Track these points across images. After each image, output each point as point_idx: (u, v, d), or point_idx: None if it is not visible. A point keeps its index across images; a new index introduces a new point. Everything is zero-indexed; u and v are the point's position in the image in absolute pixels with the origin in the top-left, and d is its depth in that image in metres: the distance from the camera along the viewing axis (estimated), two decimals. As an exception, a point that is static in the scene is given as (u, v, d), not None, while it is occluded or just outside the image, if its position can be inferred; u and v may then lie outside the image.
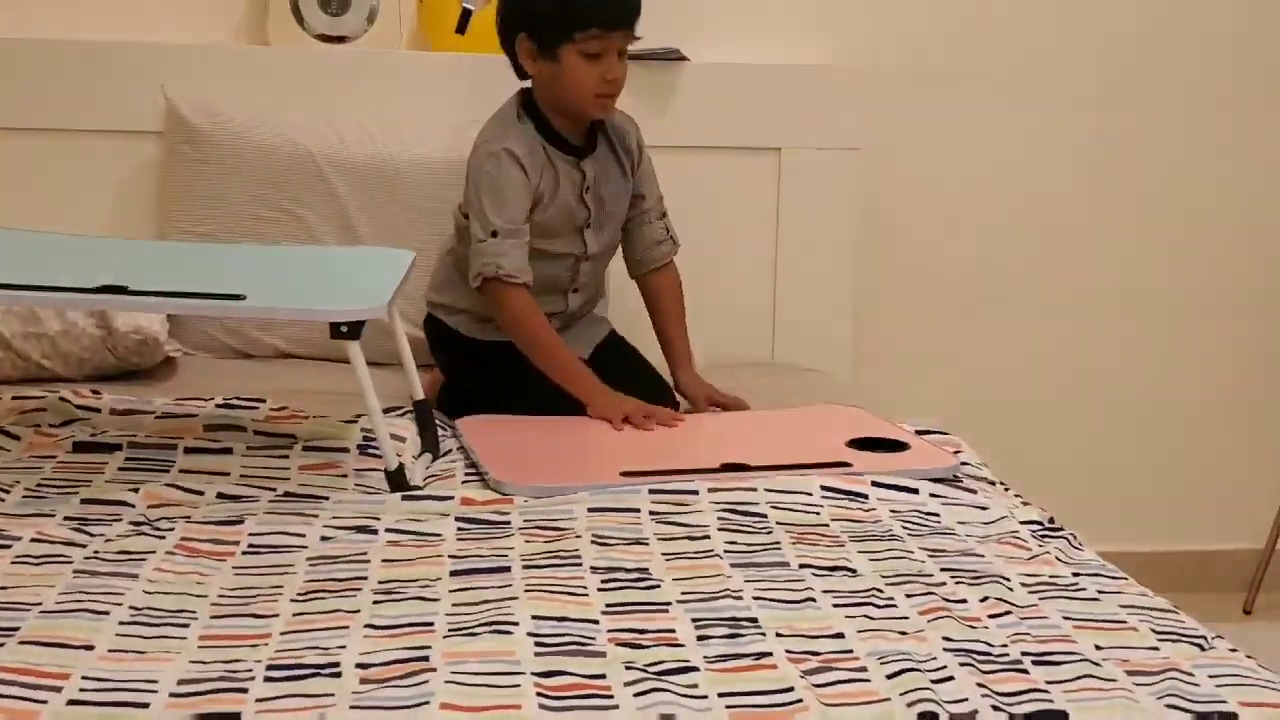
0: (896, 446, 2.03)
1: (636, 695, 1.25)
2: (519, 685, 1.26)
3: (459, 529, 1.68)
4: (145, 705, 1.22)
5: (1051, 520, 1.80)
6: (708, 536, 1.67)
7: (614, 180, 2.27)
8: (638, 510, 1.75)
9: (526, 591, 1.48)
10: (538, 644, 1.35)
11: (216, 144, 2.54)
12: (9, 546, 1.56)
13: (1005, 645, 1.40)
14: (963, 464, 1.99)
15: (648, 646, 1.36)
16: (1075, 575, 1.61)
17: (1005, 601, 1.50)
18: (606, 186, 2.25)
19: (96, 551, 1.56)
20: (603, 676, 1.29)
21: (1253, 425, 3.15)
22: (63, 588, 1.46)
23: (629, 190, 2.30)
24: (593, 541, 1.64)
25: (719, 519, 1.73)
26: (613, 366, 2.28)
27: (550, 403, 2.14)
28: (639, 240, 2.33)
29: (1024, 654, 1.38)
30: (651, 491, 1.80)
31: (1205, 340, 3.10)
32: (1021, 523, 1.78)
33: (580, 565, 1.57)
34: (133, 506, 1.72)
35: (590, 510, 1.74)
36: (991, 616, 1.47)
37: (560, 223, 2.21)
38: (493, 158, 2.15)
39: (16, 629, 1.35)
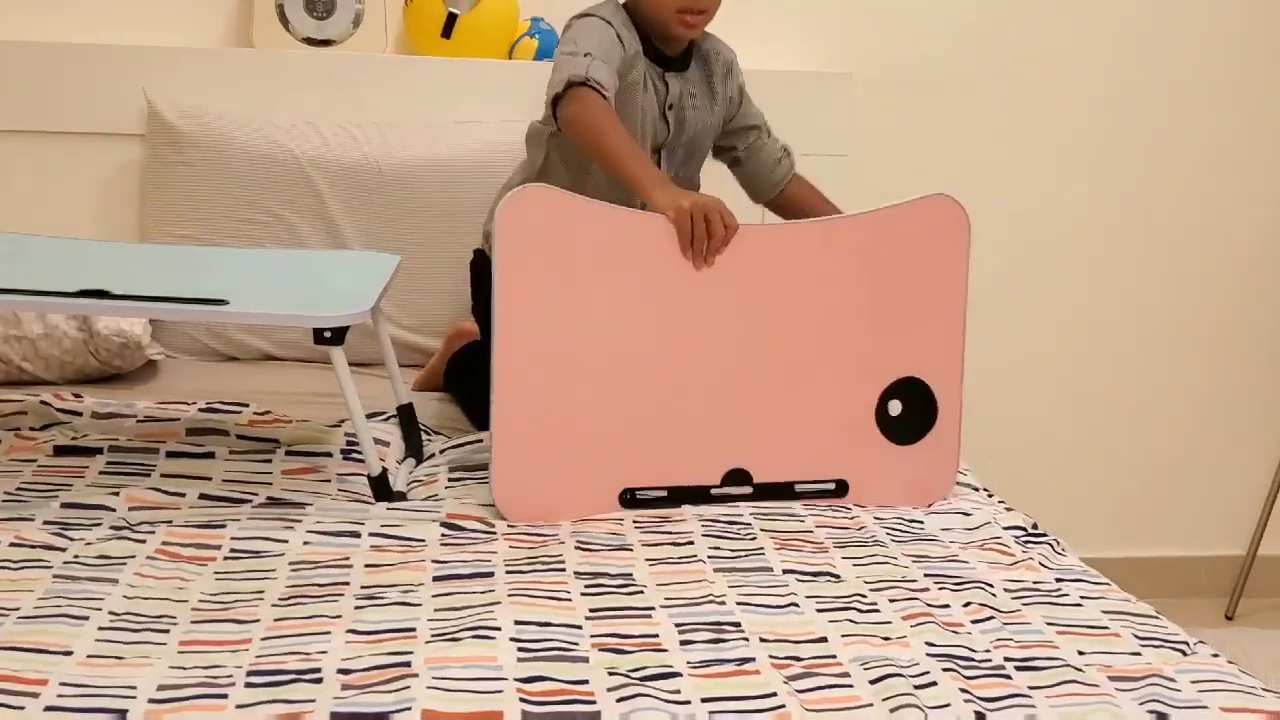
0: (927, 415, 1.90)
1: (619, 700, 1.25)
2: (501, 691, 1.26)
3: (442, 534, 1.68)
4: (124, 712, 1.21)
5: (1035, 526, 1.81)
6: (691, 542, 1.67)
7: (701, 106, 2.19)
8: (621, 517, 1.75)
9: (509, 597, 1.47)
10: (520, 649, 1.35)
11: (200, 147, 2.53)
12: (-11, 551, 1.55)
13: (988, 650, 1.40)
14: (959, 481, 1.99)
15: (631, 652, 1.36)
16: (1058, 581, 1.61)
17: (988, 607, 1.50)
18: (692, 110, 2.17)
19: (76, 556, 1.55)
20: (585, 682, 1.29)
21: (1235, 433, 3.16)
22: (42, 592, 1.45)
23: (716, 122, 2.22)
24: (576, 547, 1.64)
25: (703, 525, 1.72)
26: None
27: None
28: (761, 163, 2.27)
29: (1007, 659, 1.38)
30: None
31: (1189, 348, 3.11)
32: (1005, 528, 1.78)
33: (564, 570, 1.56)
34: (114, 510, 1.70)
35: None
36: (975, 622, 1.47)
37: (641, 132, 2.10)
38: (589, 18, 2.05)
39: (-6, 634, 1.34)
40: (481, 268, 2.22)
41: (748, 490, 1.84)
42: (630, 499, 1.80)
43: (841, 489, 1.87)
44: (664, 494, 1.82)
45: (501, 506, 1.75)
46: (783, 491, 1.85)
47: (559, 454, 1.78)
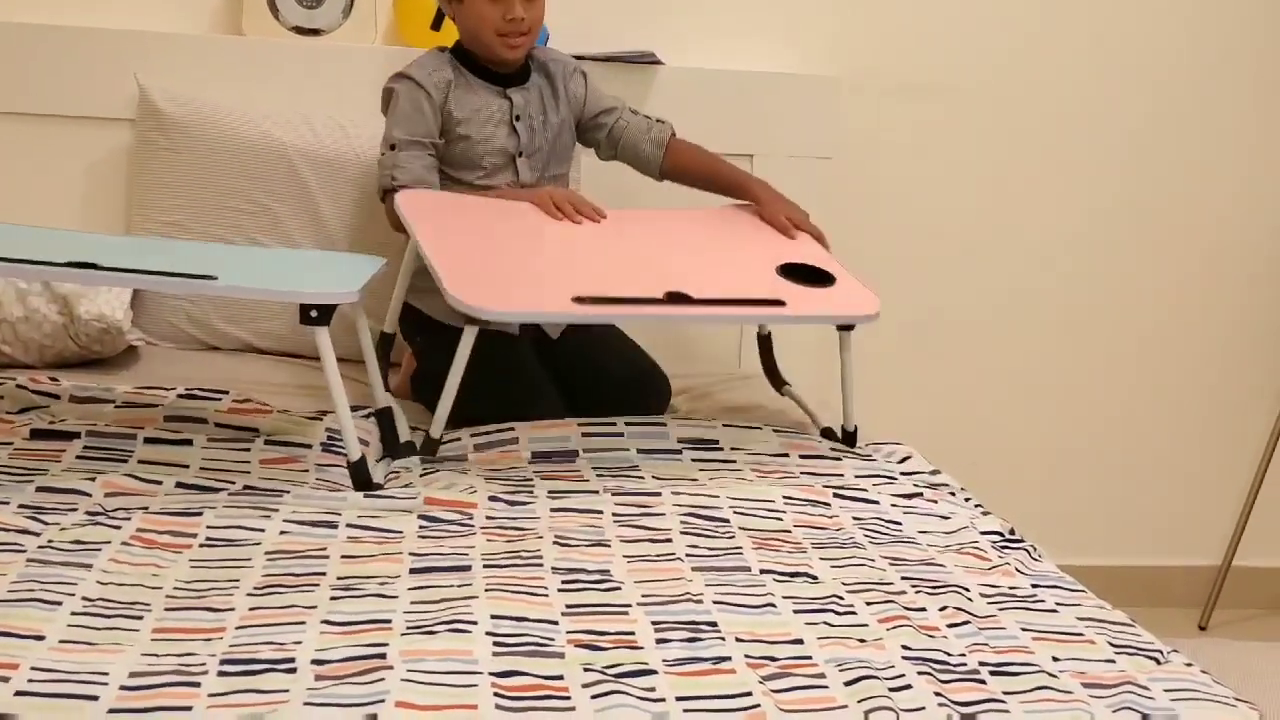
0: (824, 278, 2.11)
1: (594, 697, 1.25)
2: (476, 685, 1.26)
3: (420, 527, 1.67)
4: (95, 698, 1.21)
5: (1012, 531, 1.81)
6: (669, 540, 1.67)
7: (549, 112, 2.34)
8: (600, 512, 1.74)
9: (486, 591, 1.47)
10: (496, 644, 1.35)
11: (188, 133, 2.52)
12: (-38, 534, 1.54)
13: (963, 655, 1.40)
14: (915, 470, 2.00)
15: (607, 649, 1.36)
16: (1034, 587, 1.61)
17: (964, 611, 1.51)
18: (540, 117, 2.33)
19: (51, 540, 1.54)
20: (560, 678, 1.29)
21: (1212, 444, 3.17)
22: (15, 576, 1.44)
23: (567, 120, 2.37)
24: (554, 542, 1.64)
25: (681, 523, 1.72)
26: (592, 341, 2.31)
27: (505, 384, 2.17)
28: (632, 141, 2.38)
29: (981, 664, 1.38)
30: (615, 495, 1.80)
31: (1167, 357, 3.12)
32: (982, 533, 1.78)
33: (541, 566, 1.56)
34: (89, 496, 1.69)
35: (553, 511, 1.74)
36: (950, 626, 1.47)
37: (489, 150, 2.28)
38: (390, 87, 2.28)
39: (-34, 617, 1.33)
40: (408, 316, 2.34)
41: (691, 309, 1.95)
42: (583, 300, 1.89)
43: (778, 304, 2.00)
44: (616, 300, 1.92)
45: (457, 294, 1.84)
46: (724, 305, 1.97)
47: (507, 269, 1.97)
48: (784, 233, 2.24)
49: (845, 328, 2.13)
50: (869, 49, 2.88)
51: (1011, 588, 1.60)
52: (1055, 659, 1.41)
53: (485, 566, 1.55)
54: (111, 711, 1.19)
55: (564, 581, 1.52)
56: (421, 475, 1.88)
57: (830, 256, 2.20)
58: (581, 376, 2.27)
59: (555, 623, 1.41)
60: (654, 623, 1.42)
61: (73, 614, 1.37)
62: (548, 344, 2.32)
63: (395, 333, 2.30)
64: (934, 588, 1.57)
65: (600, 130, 2.40)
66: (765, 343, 2.38)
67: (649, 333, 2.42)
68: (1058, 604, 1.56)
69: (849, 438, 2.15)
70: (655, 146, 2.37)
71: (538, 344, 2.30)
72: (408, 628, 1.37)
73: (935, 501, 1.89)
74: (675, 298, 1.95)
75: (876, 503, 1.86)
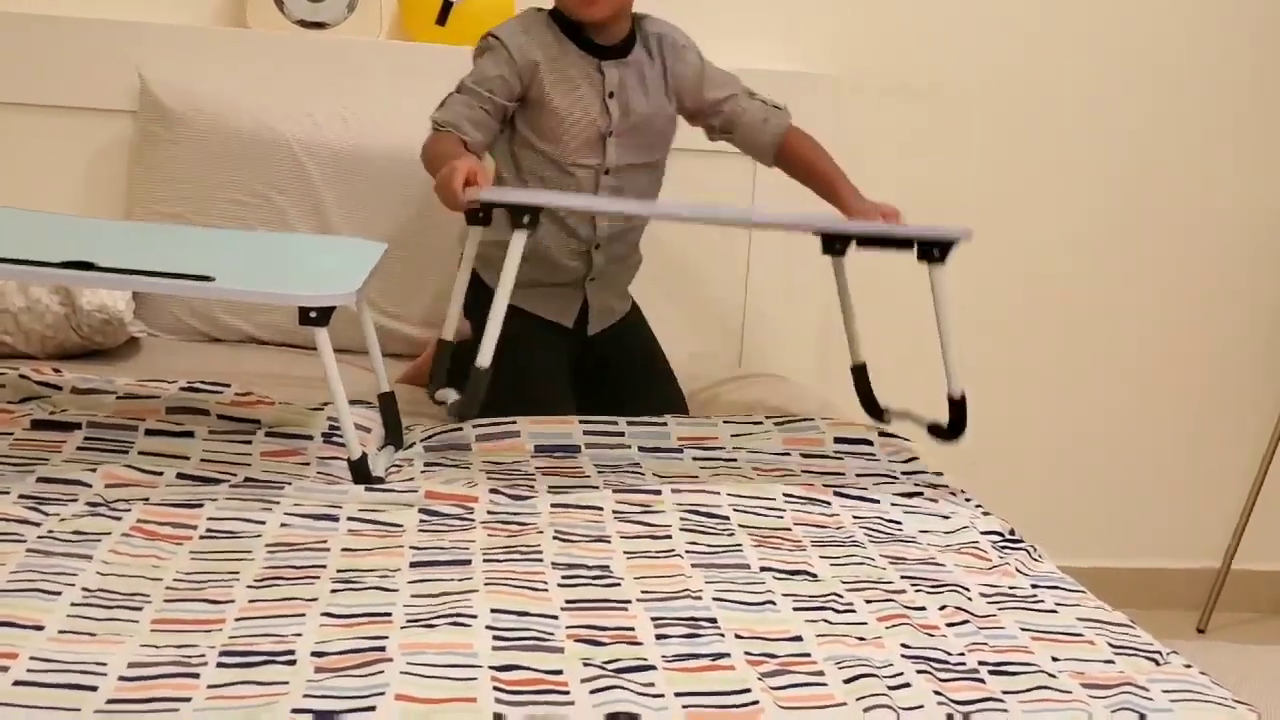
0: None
1: (593, 692, 1.25)
2: (476, 679, 1.26)
3: (421, 520, 1.67)
4: (94, 689, 1.20)
5: (1012, 532, 1.81)
6: (669, 536, 1.67)
7: (650, 91, 2.21)
8: (601, 508, 1.74)
9: (486, 585, 1.47)
10: (496, 637, 1.34)
11: (190, 126, 2.52)
12: (-39, 524, 1.54)
13: (963, 654, 1.40)
14: (918, 470, 2.00)
15: (606, 644, 1.36)
16: (1034, 587, 1.61)
17: (964, 610, 1.50)
18: (635, 96, 2.19)
19: (51, 531, 1.54)
20: (560, 672, 1.29)
21: (1212, 446, 3.17)
22: (14, 566, 1.43)
23: (670, 103, 2.24)
24: (555, 537, 1.64)
25: (681, 519, 1.72)
26: (620, 356, 2.28)
27: (525, 381, 2.15)
28: (745, 130, 2.27)
29: (981, 663, 1.38)
30: (615, 491, 1.80)
31: (1167, 360, 3.12)
32: (982, 533, 1.78)
33: (541, 560, 1.56)
34: (90, 486, 1.69)
35: (554, 506, 1.74)
36: (950, 625, 1.47)
37: (577, 126, 2.16)
38: (480, 44, 2.17)
39: (-37, 607, 1.33)
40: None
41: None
42: None
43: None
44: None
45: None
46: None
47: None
48: (867, 219, 2.14)
49: (932, 256, 2.00)
50: (868, 48, 2.89)
51: (1011, 588, 1.60)
52: (1054, 659, 1.41)
53: (485, 560, 1.55)
54: (110, 702, 1.19)
55: (564, 576, 1.52)
56: (423, 470, 1.88)
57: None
58: (609, 387, 2.26)
59: (555, 617, 1.41)
60: (653, 618, 1.42)
61: (72, 604, 1.37)
62: (583, 347, 2.28)
63: (455, 341, 2.14)
64: (934, 587, 1.57)
65: (713, 117, 2.27)
66: (860, 374, 2.24)
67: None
68: (1057, 604, 1.56)
69: (956, 408, 2.06)
70: (770, 140, 2.27)
71: (577, 358, 2.27)
72: (408, 621, 1.37)
73: (936, 501, 1.89)
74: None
75: (877, 501, 1.86)
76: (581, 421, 2.04)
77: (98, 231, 2.00)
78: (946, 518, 1.83)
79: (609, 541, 1.64)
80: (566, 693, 1.25)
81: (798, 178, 2.29)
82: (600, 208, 2.14)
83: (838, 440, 2.03)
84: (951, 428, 2.06)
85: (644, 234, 2.33)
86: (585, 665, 1.30)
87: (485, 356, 1.87)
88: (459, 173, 1.90)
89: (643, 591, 1.49)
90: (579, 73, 2.15)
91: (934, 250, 2.00)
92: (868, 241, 2.10)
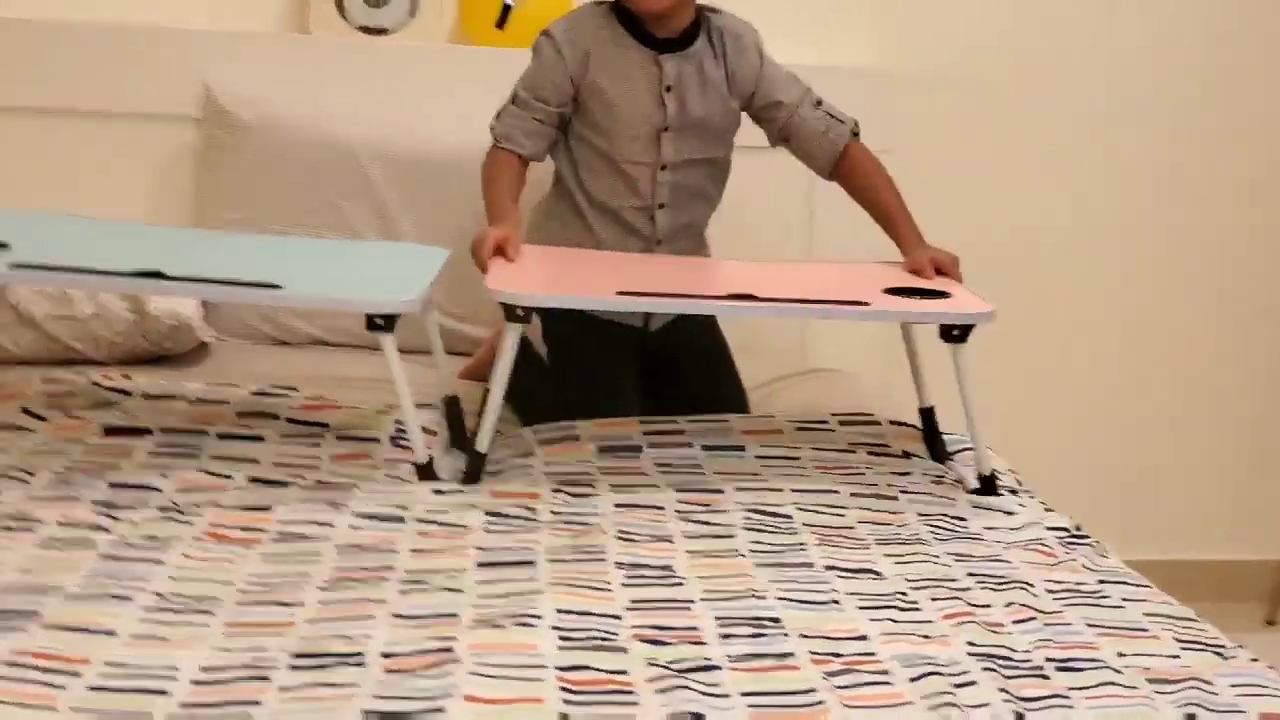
0: (936, 296, 1.93)
1: (659, 692, 1.26)
2: (542, 679, 1.27)
3: (486, 521, 1.69)
4: (166, 693, 1.23)
5: (1078, 527, 1.80)
6: (733, 535, 1.67)
7: (708, 86, 2.15)
8: (663, 508, 1.75)
9: (551, 585, 1.48)
10: (561, 638, 1.36)
11: (255, 132, 2.55)
12: (34, 530, 1.57)
13: (1028, 651, 1.40)
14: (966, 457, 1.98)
15: (670, 644, 1.36)
16: (1100, 582, 1.60)
17: (1029, 607, 1.50)
18: (693, 91, 2.14)
19: (123, 536, 1.57)
20: (625, 672, 1.30)
21: (1278, 436, 3.13)
22: (87, 572, 1.46)
23: (729, 99, 2.17)
24: (617, 537, 1.64)
25: (744, 518, 1.73)
26: (684, 352, 2.25)
27: (592, 385, 2.15)
28: (803, 141, 2.19)
29: (1047, 660, 1.38)
30: (677, 491, 1.80)
31: (1234, 353, 3.08)
32: (1047, 529, 1.78)
33: (605, 561, 1.57)
34: (161, 492, 1.72)
35: (616, 506, 1.75)
36: (1015, 622, 1.47)
37: (631, 120, 2.12)
38: (537, 40, 2.15)
39: (38, 613, 1.35)
40: None
41: (748, 304, 1.86)
42: (628, 294, 1.83)
43: (861, 304, 1.86)
44: (662, 294, 1.86)
45: (496, 286, 1.82)
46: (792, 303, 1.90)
47: (561, 274, 1.98)
48: (920, 274, 2.03)
49: (953, 337, 1.88)
50: (929, 43, 2.87)
51: (1077, 583, 1.60)
52: (1120, 654, 1.40)
53: (550, 561, 1.56)
54: (183, 706, 1.21)
55: (627, 576, 1.53)
56: (488, 470, 1.89)
57: (956, 287, 2.00)
58: (672, 386, 2.25)
59: (619, 617, 1.42)
60: (717, 618, 1.43)
61: (145, 609, 1.39)
62: (648, 344, 2.26)
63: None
64: (999, 583, 1.57)
65: (771, 123, 2.20)
66: (928, 417, 2.10)
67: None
68: (1123, 599, 1.55)
69: (986, 483, 1.91)
70: (827, 155, 2.19)
71: (644, 355, 2.25)
72: (474, 622, 1.39)
73: (1001, 496, 1.89)
74: (739, 298, 1.86)
75: (942, 498, 1.85)
76: (642, 423, 2.05)
77: (166, 239, 2.04)
78: (1011, 514, 1.82)
79: (672, 541, 1.65)
80: (632, 693, 1.26)
81: (857, 200, 2.20)
82: (623, 306, 2.00)
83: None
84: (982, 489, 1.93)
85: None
86: (650, 665, 1.31)
87: (484, 441, 1.87)
88: (487, 243, 1.94)
89: (706, 591, 1.50)
90: (635, 65, 2.12)
91: (954, 331, 1.88)
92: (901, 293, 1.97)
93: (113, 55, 2.61)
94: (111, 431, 1.92)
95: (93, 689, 1.22)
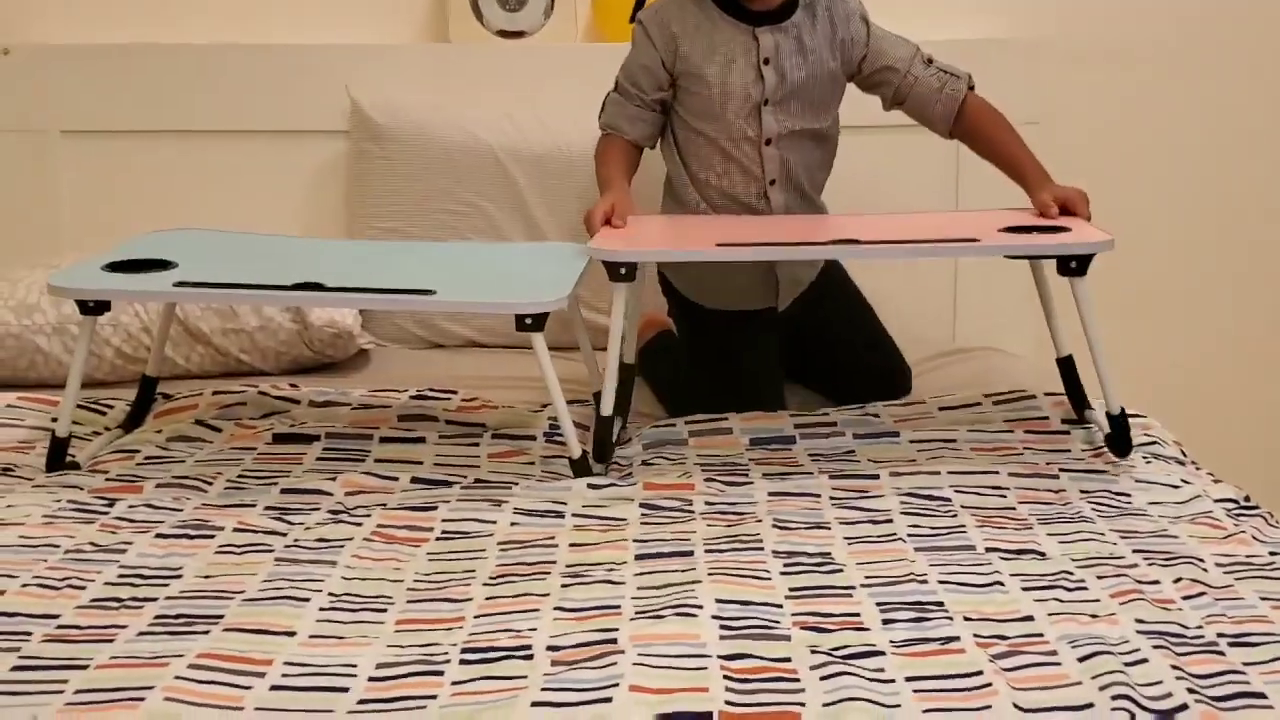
0: (1055, 233, 1.91)
1: (823, 679, 1.26)
2: (706, 668, 1.28)
3: (642, 513, 1.71)
4: (345, 690, 1.27)
5: (1247, 498, 1.76)
6: (890, 520, 1.67)
7: (810, 57, 2.12)
8: (818, 495, 1.75)
9: (710, 575, 1.49)
10: (723, 627, 1.37)
11: (400, 141, 2.60)
12: (212, 536, 1.63)
13: (1200, 627, 1.37)
14: (1147, 441, 1.94)
15: (832, 630, 1.37)
16: (1272, 554, 1.56)
17: (1199, 583, 1.47)
18: (792, 62, 2.11)
19: (296, 540, 1.62)
20: (788, 660, 1.30)
21: None
22: (264, 575, 1.52)
23: (831, 68, 2.14)
24: (774, 526, 1.65)
25: (901, 503, 1.72)
26: (824, 311, 2.27)
27: (737, 376, 2.17)
28: (921, 101, 2.16)
29: (1219, 635, 1.35)
30: (831, 478, 1.80)
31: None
32: (1215, 501, 1.73)
33: (762, 549, 1.58)
34: (331, 495, 1.77)
35: (770, 495, 1.75)
36: (1185, 598, 1.44)
37: (730, 96, 2.11)
38: (636, 30, 2.18)
39: (221, 617, 1.41)
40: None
41: (852, 248, 1.91)
42: (727, 245, 1.88)
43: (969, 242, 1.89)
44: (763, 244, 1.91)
45: (595, 243, 1.89)
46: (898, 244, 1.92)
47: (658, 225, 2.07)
48: (1045, 214, 1.98)
49: (1070, 270, 1.84)
50: (1072, 12, 2.81)
51: (1248, 556, 1.56)
52: (1297, 629, 1.37)
53: (707, 551, 1.58)
54: (361, 702, 1.25)
55: (786, 564, 1.53)
56: (641, 463, 1.91)
57: (1074, 220, 1.96)
58: (823, 358, 2.27)
59: (779, 605, 1.42)
60: (879, 604, 1.42)
61: (320, 610, 1.44)
62: (787, 326, 2.26)
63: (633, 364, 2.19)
64: (1167, 559, 1.54)
65: (885, 86, 2.17)
66: (1067, 365, 2.08)
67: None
68: (1298, 572, 1.52)
69: (1116, 424, 1.87)
70: (945, 111, 2.15)
71: (786, 338, 2.25)
72: (636, 613, 1.41)
73: (1167, 465, 1.85)
74: (843, 244, 1.91)
75: (1104, 474, 1.82)
76: (792, 415, 2.05)
77: (322, 251, 2.09)
78: (1176, 487, 1.78)
79: (829, 528, 1.65)
80: (797, 679, 1.26)
81: (980, 153, 2.17)
82: (721, 257, 1.95)
83: (1061, 418, 1.99)
84: (1113, 444, 1.89)
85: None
86: (813, 652, 1.31)
87: (607, 405, 1.90)
88: (596, 213, 1.99)
89: (866, 577, 1.50)
90: (729, 40, 2.10)
91: (1071, 262, 1.85)
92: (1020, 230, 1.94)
93: (262, 75, 2.69)
94: (281, 439, 1.98)
95: (276, 688, 1.27)
